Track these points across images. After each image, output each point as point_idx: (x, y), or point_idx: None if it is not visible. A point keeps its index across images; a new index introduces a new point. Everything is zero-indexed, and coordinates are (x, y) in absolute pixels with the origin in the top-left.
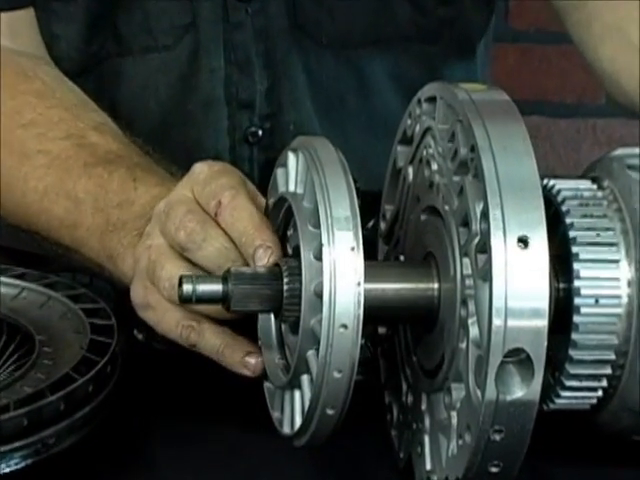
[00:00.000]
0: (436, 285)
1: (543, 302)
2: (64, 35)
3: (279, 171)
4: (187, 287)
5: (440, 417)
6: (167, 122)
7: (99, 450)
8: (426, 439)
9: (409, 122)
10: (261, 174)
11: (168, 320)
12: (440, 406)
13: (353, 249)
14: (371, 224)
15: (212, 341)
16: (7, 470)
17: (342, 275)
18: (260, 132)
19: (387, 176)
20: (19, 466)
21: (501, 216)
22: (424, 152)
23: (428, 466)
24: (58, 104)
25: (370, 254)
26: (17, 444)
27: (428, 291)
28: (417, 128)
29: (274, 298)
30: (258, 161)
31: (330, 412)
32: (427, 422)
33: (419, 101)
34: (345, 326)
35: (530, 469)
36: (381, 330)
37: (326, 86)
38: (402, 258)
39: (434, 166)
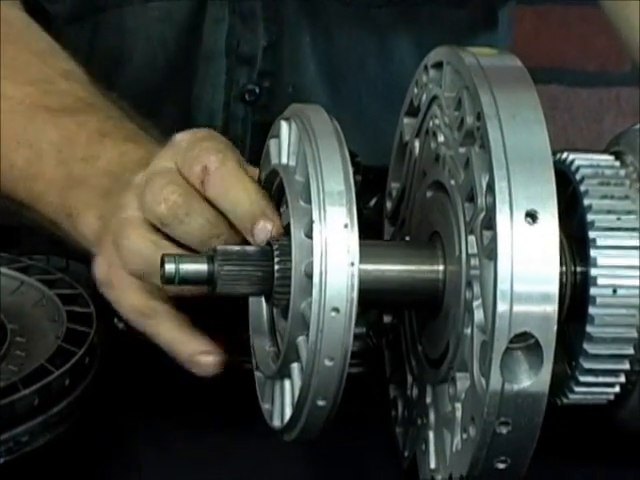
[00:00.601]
0: (441, 267)
1: (552, 286)
2: None
3: (272, 142)
4: (169, 267)
5: (445, 410)
6: (173, 76)
7: (76, 449)
8: (430, 435)
9: (416, 91)
10: (254, 137)
11: (124, 302)
12: (445, 398)
13: (346, 226)
14: (374, 202)
15: (165, 334)
16: None
17: (334, 254)
18: (257, 90)
19: (393, 151)
20: None
21: (508, 189)
22: (430, 123)
23: (432, 464)
24: (25, 49)
25: (372, 234)
26: None
27: (432, 273)
28: (424, 97)
29: (264, 280)
30: (252, 122)
31: (321, 403)
32: (432, 416)
33: (425, 67)
34: (337, 310)
35: (544, 468)
36: (386, 319)
37: (342, 50)
38: (407, 239)
39: (440, 138)
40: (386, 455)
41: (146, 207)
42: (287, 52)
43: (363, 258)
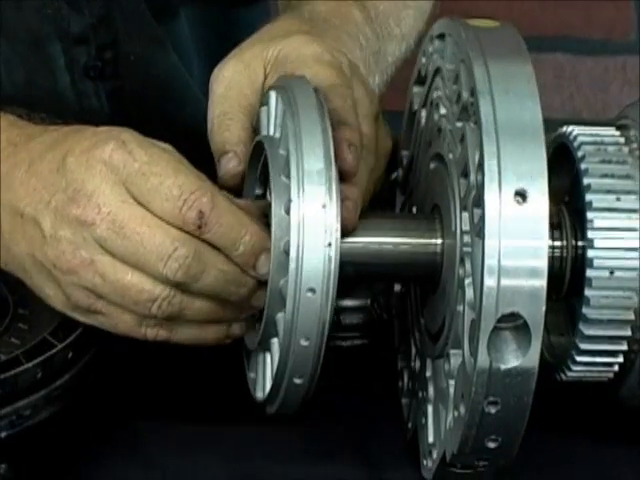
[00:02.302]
0: (439, 241)
1: (541, 261)
2: None
3: (262, 110)
4: None
5: (441, 386)
6: None
7: (79, 423)
8: (430, 409)
9: (423, 60)
10: (110, 106)
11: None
12: (441, 374)
13: (324, 206)
14: (394, 176)
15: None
16: None
17: (311, 235)
18: (100, 64)
19: (404, 119)
20: None
21: (497, 167)
22: (434, 94)
23: (430, 439)
24: None
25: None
26: None
27: (430, 247)
28: (430, 67)
29: None
30: (106, 94)
31: (298, 381)
32: (431, 390)
33: (431, 38)
34: (313, 290)
35: (543, 446)
36: (396, 288)
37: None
38: (414, 210)
39: (442, 110)
40: (391, 426)
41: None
42: (120, 24)
43: (362, 231)
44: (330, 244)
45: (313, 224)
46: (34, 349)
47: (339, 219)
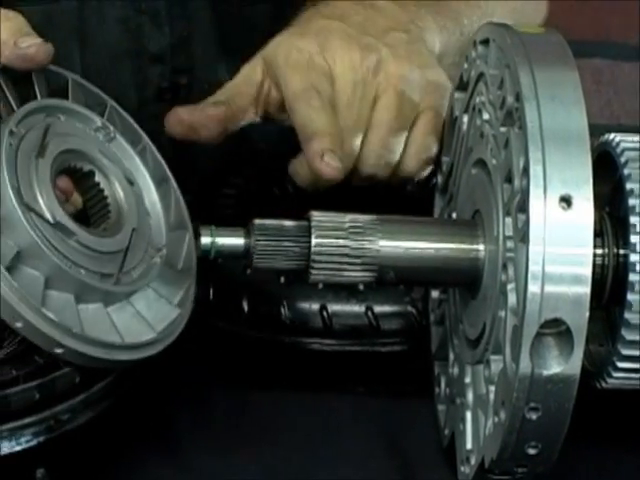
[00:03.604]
0: (481, 246)
1: (585, 268)
2: None
3: None
4: (205, 240)
5: (481, 392)
6: None
7: (117, 427)
8: (468, 415)
9: (465, 66)
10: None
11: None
12: (481, 380)
13: None
14: (434, 180)
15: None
16: (17, 448)
17: None
18: (175, 88)
19: (445, 125)
20: (30, 444)
21: (542, 172)
22: (477, 99)
23: (469, 445)
24: None
25: (418, 210)
26: (27, 420)
27: (471, 252)
28: (472, 72)
29: (301, 255)
30: None
31: None
32: (470, 396)
33: (475, 43)
34: None
35: (582, 453)
36: (434, 294)
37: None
38: (454, 215)
39: (485, 115)
40: (428, 432)
41: None
42: (200, 48)
43: (403, 236)
44: None
45: None
46: None
47: None
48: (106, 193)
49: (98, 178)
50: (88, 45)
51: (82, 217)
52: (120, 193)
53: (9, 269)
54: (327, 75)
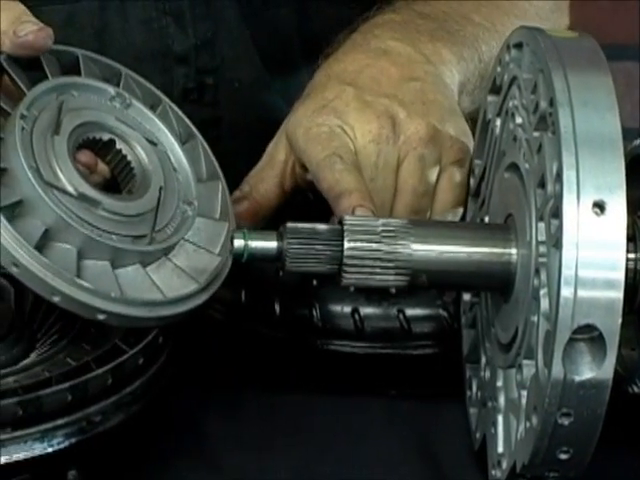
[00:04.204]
0: (514, 250)
1: (618, 273)
2: None
3: None
4: (238, 243)
5: (513, 396)
6: None
7: (148, 429)
8: (500, 419)
9: (499, 69)
10: (204, 133)
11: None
12: (513, 384)
13: None
14: None
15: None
16: (49, 450)
17: None
18: (200, 89)
19: (477, 129)
20: (62, 445)
21: (576, 178)
22: (510, 103)
23: (500, 449)
24: None
25: None
26: (60, 421)
27: (504, 256)
28: (505, 76)
29: (333, 259)
30: (200, 120)
31: None
32: (501, 400)
33: (508, 47)
34: None
35: (611, 459)
36: (466, 297)
37: (285, 37)
38: (487, 219)
39: (518, 119)
40: (458, 435)
41: None
42: (226, 48)
43: (435, 239)
44: None
45: None
46: (105, 355)
47: None
48: (129, 158)
49: (119, 145)
50: (111, 46)
51: (114, 185)
52: (143, 155)
53: (40, 248)
54: (348, 144)
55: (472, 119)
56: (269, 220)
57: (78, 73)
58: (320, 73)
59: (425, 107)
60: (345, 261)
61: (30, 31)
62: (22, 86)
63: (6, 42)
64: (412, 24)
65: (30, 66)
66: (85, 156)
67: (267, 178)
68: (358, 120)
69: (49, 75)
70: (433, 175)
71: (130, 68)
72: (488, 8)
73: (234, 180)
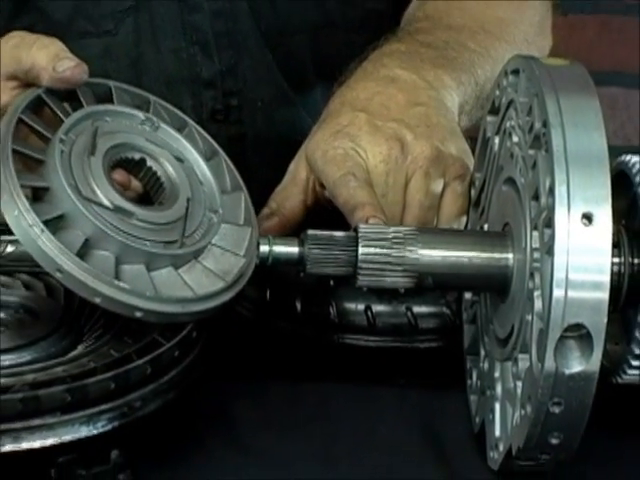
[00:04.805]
0: (510, 256)
1: (604, 276)
2: None
3: None
4: (264, 248)
5: (509, 386)
6: None
7: (184, 414)
8: (497, 406)
9: (497, 93)
10: (230, 148)
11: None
12: (509, 375)
13: None
14: None
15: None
16: (94, 432)
17: None
18: (226, 109)
19: (478, 145)
20: (106, 428)
21: (567, 192)
22: (508, 124)
23: (497, 433)
24: None
25: None
26: (104, 407)
27: (501, 261)
28: (503, 99)
29: (349, 263)
30: (227, 137)
31: None
32: (499, 389)
33: (506, 73)
34: None
35: (596, 442)
36: (467, 296)
37: (305, 60)
38: (486, 227)
39: (515, 138)
40: (460, 420)
41: None
42: (249, 72)
43: (440, 245)
44: None
45: None
46: (144, 348)
47: None
48: (159, 174)
49: (149, 163)
50: (145, 74)
51: (147, 198)
52: (171, 171)
53: (81, 255)
54: (361, 164)
55: (471, 137)
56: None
57: (111, 102)
58: (335, 100)
59: (429, 130)
60: (359, 265)
61: (68, 67)
62: (61, 115)
63: (46, 77)
64: (416, 53)
65: (67, 97)
66: (120, 175)
67: (292, 195)
68: (370, 143)
69: (84, 104)
70: (438, 190)
71: (163, 93)
72: (482, 35)
73: (258, 190)
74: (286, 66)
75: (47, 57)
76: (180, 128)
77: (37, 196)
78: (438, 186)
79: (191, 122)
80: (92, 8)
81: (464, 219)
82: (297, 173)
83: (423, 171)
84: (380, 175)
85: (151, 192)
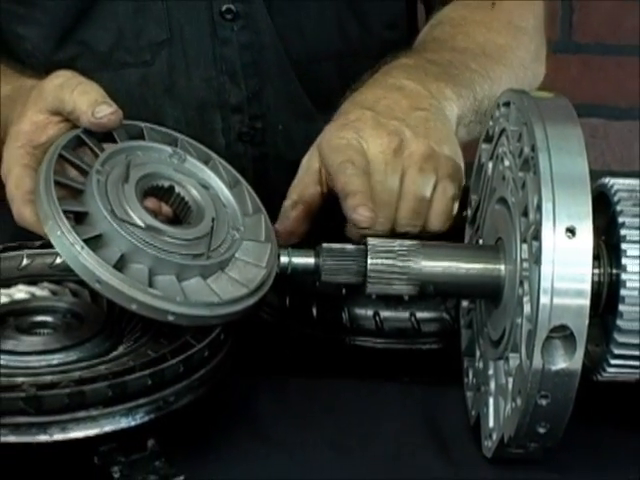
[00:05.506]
0: (502, 266)
1: (586, 284)
2: (29, 37)
3: None
4: (284, 259)
5: (501, 382)
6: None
7: (212, 408)
8: (490, 401)
9: (491, 123)
10: (254, 166)
11: None
12: (501, 372)
13: None
14: (465, 213)
15: None
16: (133, 423)
17: None
18: (251, 132)
19: (474, 170)
20: (143, 420)
21: (552, 209)
22: (500, 150)
23: (491, 424)
24: None
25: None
26: (142, 401)
27: (494, 271)
28: (496, 128)
29: (359, 272)
30: (252, 157)
31: None
32: (492, 386)
33: (498, 105)
34: None
35: (577, 432)
36: (464, 304)
37: (319, 93)
38: (481, 241)
39: (506, 162)
40: (458, 413)
41: None
42: (271, 98)
43: (440, 257)
44: None
45: None
46: (178, 348)
47: None
48: (186, 199)
49: (177, 189)
50: (178, 100)
51: (177, 221)
52: (197, 195)
53: (118, 268)
54: (362, 153)
55: (467, 163)
56: (305, 239)
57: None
58: (346, 103)
59: (427, 131)
60: (369, 274)
61: (105, 114)
62: (97, 152)
63: (85, 120)
64: (422, 68)
65: (104, 137)
66: (151, 203)
67: (309, 184)
68: (372, 135)
69: (118, 141)
70: (430, 184)
71: (195, 117)
72: (482, 58)
73: (279, 205)
74: (314, 90)
75: (87, 102)
76: (206, 161)
77: (79, 220)
78: (430, 181)
79: (215, 156)
80: (131, 41)
81: (452, 214)
82: (311, 164)
83: (418, 166)
84: (379, 164)
85: (180, 215)
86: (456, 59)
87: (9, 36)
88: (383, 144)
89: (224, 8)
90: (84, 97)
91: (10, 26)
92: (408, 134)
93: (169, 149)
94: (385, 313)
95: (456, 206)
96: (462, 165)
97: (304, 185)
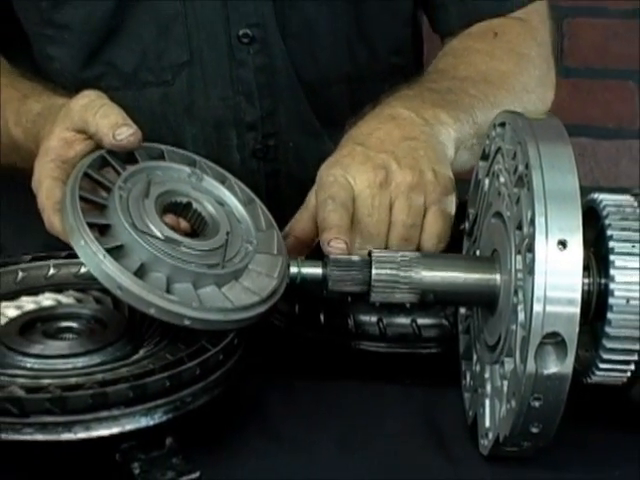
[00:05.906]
0: (498, 276)
1: (576, 294)
2: (57, 57)
3: None
4: (293, 269)
5: (496, 385)
6: (179, 143)
7: (227, 408)
8: (487, 402)
9: (487, 142)
10: (267, 182)
11: None
12: (497, 376)
13: None
14: (462, 226)
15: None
16: (152, 423)
17: None
18: (265, 149)
19: (471, 186)
20: (162, 419)
21: (545, 222)
22: (496, 167)
23: (487, 424)
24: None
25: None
26: (160, 401)
27: (490, 281)
28: (492, 147)
29: (364, 282)
30: (265, 172)
31: None
32: (488, 388)
33: (494, 125)
34: None
35: (567, 432)
36: (462, 311)
37: (329, 114)
38: (478, 252)
39: (502, 179)
40: (456, 414)
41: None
42: (284, 117)
43: (440, 267)
44: None
45: None
46: (194, 352)
47: None
48: (203, 214)
49: (195, 205)
50: (197, 118)
51: (194, 235)
52: (213, 211)
53: (139, 276)
54: (346, 189)
55: (463, 180)
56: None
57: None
58: (344, 137)
59: (414, 160)
60: (373, 283)
61: (125, 136)
62: (120, 170)
63: (107, 142)
64: (420, 96)
65: (127, 158)
66: (170, 219)
67: (302, 220)
68: (359, 171)
69: (139, 160)
70: (419, 211)
71: (212, 134)
72: (483, 85)
73: (290, 219)
74: (323, 111)
75: (108, 125)
76: (222, 181)
77: (102, 232)
78: (419, 209)
79: (231, 176)
80: (154, 62)
81: (445, 236)
82: (310, 199)
83: (405, 195)
84: (366, 198)
85: (197, 229)
86: (455, 86)
87: (40, 56)
88: (369, 179)
89: (241, 33)
90: (105, 120)
91: (41, 47)
92: (394, 167)
93: (188, 169)
94: (388, 319)
95: (449, 228)
96: (453, 185)
97: (297, 220)
